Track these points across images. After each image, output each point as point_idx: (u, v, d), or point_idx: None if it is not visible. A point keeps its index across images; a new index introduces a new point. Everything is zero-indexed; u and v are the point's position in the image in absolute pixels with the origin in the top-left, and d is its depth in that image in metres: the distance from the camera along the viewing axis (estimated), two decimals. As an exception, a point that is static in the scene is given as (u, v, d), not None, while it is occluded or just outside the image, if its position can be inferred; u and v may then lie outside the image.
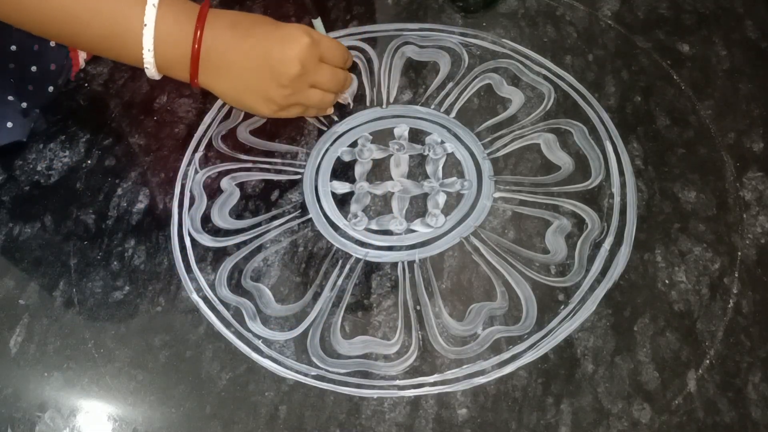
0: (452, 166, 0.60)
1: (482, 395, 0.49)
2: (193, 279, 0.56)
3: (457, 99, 0.64)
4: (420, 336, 0.52)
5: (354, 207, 0.59)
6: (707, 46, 0.65)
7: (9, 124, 0.62)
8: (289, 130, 0.64)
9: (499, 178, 0.59)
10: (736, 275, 0.53)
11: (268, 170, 0.61)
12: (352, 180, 0.60)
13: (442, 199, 0.58)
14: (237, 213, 0.59)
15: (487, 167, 0.60)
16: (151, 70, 0.52)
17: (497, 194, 0.58)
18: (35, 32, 0.52)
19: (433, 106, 0.64)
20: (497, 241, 0.56)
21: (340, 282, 0.55)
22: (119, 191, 0.61)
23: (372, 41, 0.69)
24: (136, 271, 0.56)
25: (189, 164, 0.62)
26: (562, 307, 0.52)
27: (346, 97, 0.63)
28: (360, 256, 0.56)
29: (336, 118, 0.64)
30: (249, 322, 0.53)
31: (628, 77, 0.64)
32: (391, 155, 0.61)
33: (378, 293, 0.54)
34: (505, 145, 0.61)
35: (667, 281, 0.53)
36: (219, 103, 0.65)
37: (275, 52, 0.51)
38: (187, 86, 0.66)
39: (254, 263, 0.56)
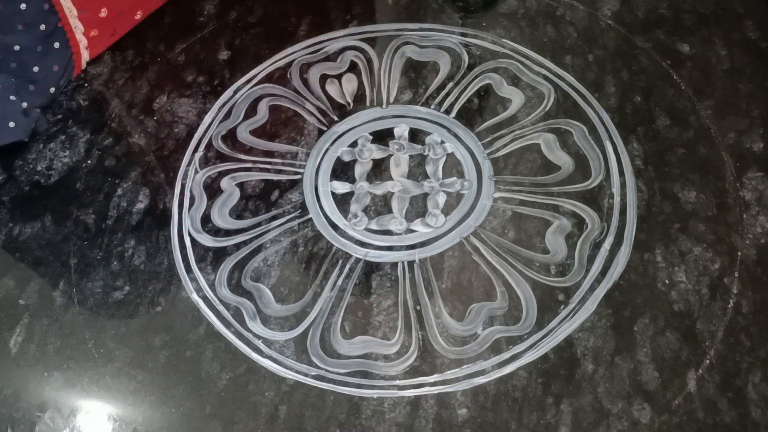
0: (452, 166, 0.60)
1: (482, 395, 0.49)
2: (193, 279, 0.56)
3: (457, 99, 0.64)
4: (420, 336, 0.52)
5: (354, 207, 0.59)
6: (707, 46, 0.65)
7: (11, 124, 0.62)
8: (289, 130, 0.64)
9: (499, 178, 0.59)
10: (736, 275, 0.52)
11: (268, 170, 0.61)
12: (352, 180, 0.60)
13: (442, 199, 0.58)
14: (237, 213, 0.59)
15: (487, 167, 0.60)
16: None
17: (497, 194, 0.58)
18: None
19: (433, 106, 0.64)
20: (497, 241, 0.56)
21: (340, 282, 0.55)
22: (119, 191, 0.61)
23: (372, 41, 0.69)
24: (136, 271, 0.56)
25: (189, 164, 0.62)
26: (562, 307, 0.52)
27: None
28: (360, 256, 0.56)
29: (336, 118, 0.64)
30: (249, 322, 0.53)
31: (628, 77, 0.64)
32: (391, 155, 0.61)
33: (378, 293, 0.54)
34: (505, 145, 0.61)
35: (667, 281, 0.53)
36: (219, 103, 0.65)
37: None
38: (187, 86, 0.67)
39: (254, 263, 0.56)
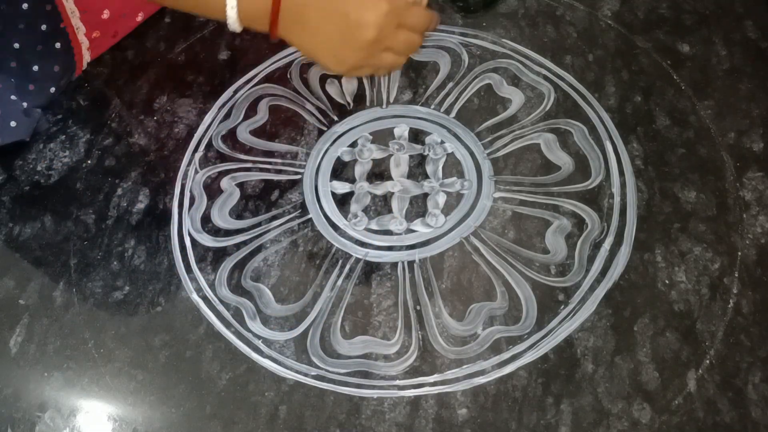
0: (452, 166, 0.60)
1: (482, 395, 0.49)
2: (193, 279, 0.56)
3: (457, 99, 0.64)
4: (420, 336, 0.52)
5: (354, 207, 0.59)
6: (707, 46, 0.65)
7: (12, 123, 0.62)
8: (289, 130, 0.64)
9: (499, 178, 0.59)
10: (736, 275, 0.52)
11: (268, 170, 0.61)
12: (352, 180, 0.60)
13: (442, 199, 0.58)
14: (237, 213, 0.59)
15: (487, 167, 0.60)
16: (234, 24, 0.53)
17: (497, 194, 0.58)
18: None
19: (433, 106, 0.64)
20: (497, 241, 0.56)
21: (340, 282, 0.55)
22: (119, 191, 0.61)
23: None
24: (136, 271, 0.56)
25: (189, 164, 0.62)
26: (562, 307, 0.52)
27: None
28: (360, 256, 0.56)
29: (336, 118, 0.64)
30: (249, 322, 0.53)
31: (628, 77, 0.64)
32: (391, 155, 0.61)
33: (378, 293, 0.54)
34: (505, 145, 0.61)
35: (667, 281, 0.53)
36: (219, 103, 0.66)
37: (352, 16, 0.51)
38: (187, 86, 0.67)
39: (254, 263, 0.56)
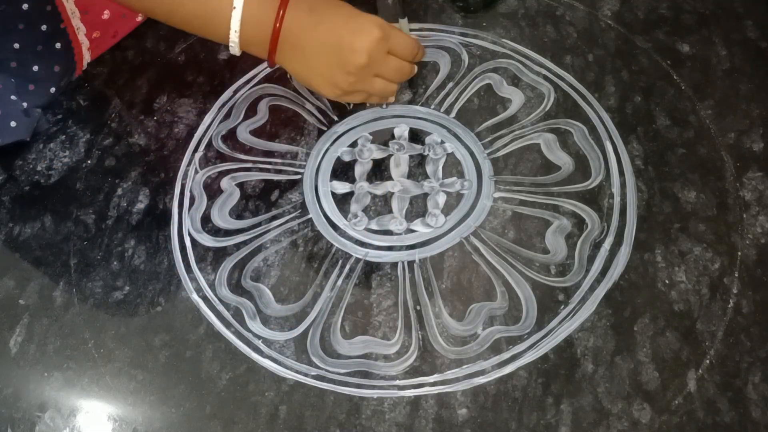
0: (452, 166, 0.60)
1: (482, 395, 0.49)
2: (193, 279, 0.56)
3: (457, 99, 0.64)
4: (420, 336, 0.52)
5: (354, 207, 0.59)
6: (707, 46, 0.65)
7: (13, 123, 0.62)
8: (289, 130, 0.64)
9: (499, 178, 0.59)
10: (736, 275, 0.52)
11: (268, 170, 0.61)
12: (352, 180, 0.60)
13: (442, 199, 0.58)
14: (237, 213, 0.59)
15: (487, 167, 0.60)
16: (235, 49, 0.55)
17: (497, 194, 0.58)
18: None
19: (433, 106, 0.64)
20: (497, 241, 0.56)
21: (340, 282, 0.55)
22: (119, 191, 0.61)
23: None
24: (136, 271, 0.56)
25: (189, 164, 0.62)
26: (562, 307, 0.52)
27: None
28: (360, 256, 0.56)
29: (336, 118, 0.64)
30: (249, 322, 0.53)
31: (628, 77, 0.64)
32: (391, 155, 0.61)
33: (378, 293, 0.54)
34: (505, 145, 0.61)
35: (667, 281, 0.53)
36: (219, 103, 0.66)
37: (345, 41, 0.53)
38: (187, 86, 0.67)
39: (254, 263, 0.56)
